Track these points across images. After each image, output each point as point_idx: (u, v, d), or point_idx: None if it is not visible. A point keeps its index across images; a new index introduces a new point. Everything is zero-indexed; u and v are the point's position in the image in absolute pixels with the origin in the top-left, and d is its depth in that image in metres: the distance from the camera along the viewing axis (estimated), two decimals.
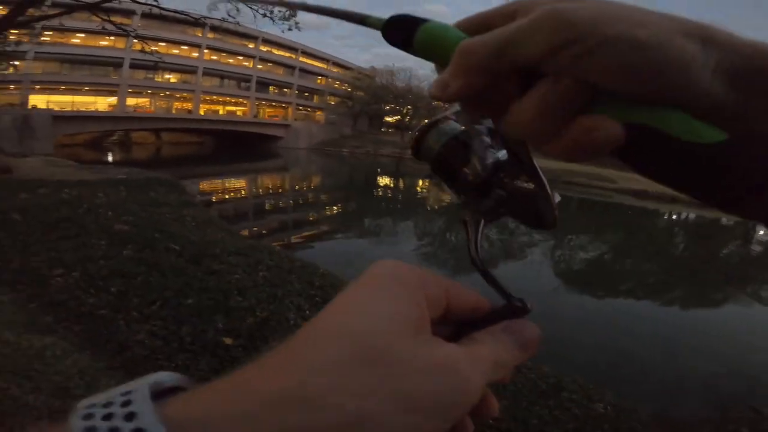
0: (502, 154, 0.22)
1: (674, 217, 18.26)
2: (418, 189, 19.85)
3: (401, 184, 20.89)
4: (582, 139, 0.16)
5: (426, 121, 0.24)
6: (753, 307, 6.47)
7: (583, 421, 2.22)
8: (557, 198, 0.21)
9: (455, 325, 0.19)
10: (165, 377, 0.16)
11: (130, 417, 0.13)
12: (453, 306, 0.18)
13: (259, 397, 0.14)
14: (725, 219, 18.60)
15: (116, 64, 25.91)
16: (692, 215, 18.87)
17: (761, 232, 16.45)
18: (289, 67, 37.95)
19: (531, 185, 0.21)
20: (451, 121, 0.23)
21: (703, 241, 13.70)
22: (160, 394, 0.15)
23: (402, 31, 0.20)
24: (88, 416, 0.14)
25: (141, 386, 0.15)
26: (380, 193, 17.74)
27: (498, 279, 0.21)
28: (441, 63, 0.19)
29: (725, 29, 0.16)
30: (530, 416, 2.14)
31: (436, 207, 14.84)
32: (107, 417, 0.13)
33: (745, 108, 0.15)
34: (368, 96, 37.08)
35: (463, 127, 0.23)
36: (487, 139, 0.22)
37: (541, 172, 0.21)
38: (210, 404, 0.14)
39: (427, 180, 22.67)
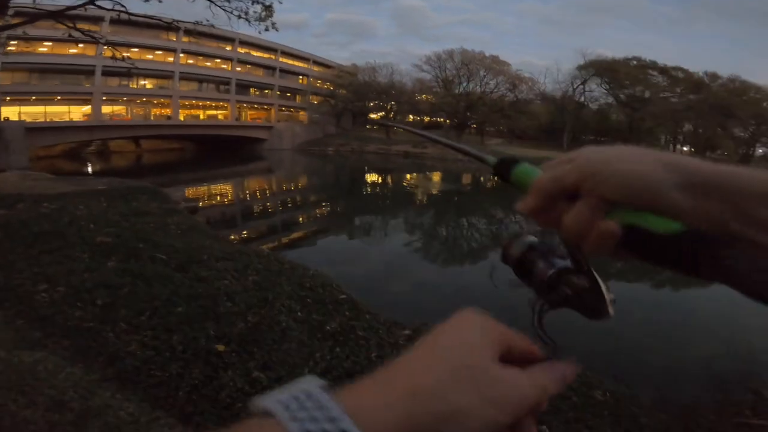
0: (567, 261, 0.30)
1: None
2: (406, 184, 19.88)
3: (389, 179, 20.88)
4: (597, 236, 0.25)
5: (514, 235, 0.32)
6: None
7: (582, 409, 2.23)
8: (611, 296, 0.29)
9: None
10: (317, 380, 0.21)
11: (332, 421, 0.18)
12: (513, 347, 0.26)
13: (402, 392, 0.21)
14: None
15: (88, 71, 25.26)
16: None
17: None
18: (269, 68, 37.50)
19: (587, 285, 0.29)
20: (530, 235, 0.32)
21: None
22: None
23: (504, 168, 0.31)
24: (295, 419, 0.18)
25: (318, 388, 0.20)
26: (368, 190, 17.72)
27: (554, 342, 0.30)
28: (525, 190, 0.29)
29: (690, 159, 0.25)
30: None
31: (424, 200, 14.90)
32: (313, 420, 0.18)
33: (700, 209, 0.24)
34: (351, 94, 36.87)
35: (537, 239, 0.32)
36: (556, 250, 0.31)
37: (597, 276, 0.28)
38: (369, 397, 0.21)
39: (413, 175, 22.69)
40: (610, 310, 0.29)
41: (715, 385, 3.18)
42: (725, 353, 3.83)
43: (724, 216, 0.24)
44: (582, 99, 37.66)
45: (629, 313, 4.81)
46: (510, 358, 0.25)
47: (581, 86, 36.89)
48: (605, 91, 37.01)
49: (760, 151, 36.12)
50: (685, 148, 39.96)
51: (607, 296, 0.29)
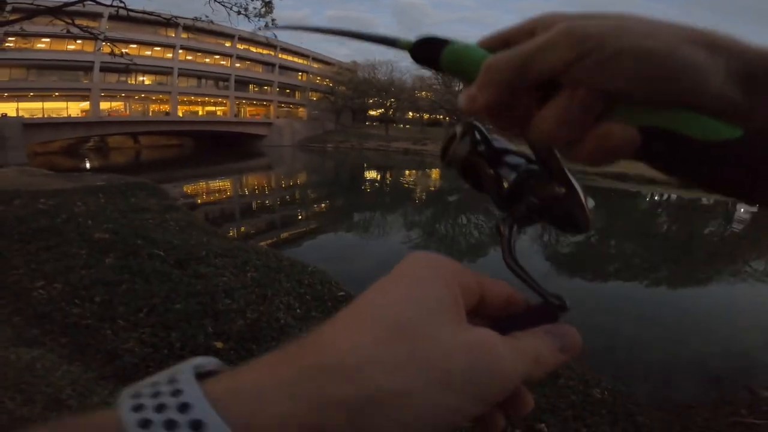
0: (528, 160, 0.23)
1: (656, 198, 18.70)
2: (405, 180, 19.88)
3: (388, 176, 20.87)
4: (601, 145, 0.17)
5: (456, 128, 0.24)
6: (739, 284, 6.62)
7: (581, 408, 2.22)
8: (591, 203, 0.22)
9: (494, 322, 0.20)
10: (204, 361, 0.16)
11: (183, 408, 0.14)
12: (488, 297, 0.19)
13: (299, 369, 0.15)
14: (705, 199, 19.12)
15: (86, 68, 25.15)
16: (673, 196, 19.36)
17: (741, 210, 16.95)
18: (269, 65, 37.38)
19: (562, 190, 0.22)
20: (477, 125, 0.24)
21: (685, 220, 14.06)
22: (201, 377, 0.15)
23: (428, 52, 0.21)
24: (139, 407, 0.14)
25: (186, 372, 0.15)
26: (367, 187, 17.71)
27: (535, 279, 0.21)
28: (467, 79, 0.20)
29: (729, 35, 0.17)
30: None
31: (424, 197, 14.90)
32: (159, 408, 0.14)
33: (756, 107, 0.16)
34: (350, 90, 36.81)
35: (488, 132, 0.24)
36: (512, 146, 0.23)
37: (572, 178, 0.21)
38: (254, 376, 0.15)
39: (413, 172, 22.70)
40: (590, 217, 0.22)
41: (711, 383, 3.18)
42: (722, 351, 3.82)
43: None
44: None
45: (627, 310, 4.82)
46: (485, 313, 0.19)
47: None
48: None
49: None
50: None
51: (587, 203, 0.22)
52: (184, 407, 0.14)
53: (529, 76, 0.17)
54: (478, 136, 0.24)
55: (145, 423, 0.13)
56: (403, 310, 0.16)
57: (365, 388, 0.15)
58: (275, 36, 8.88)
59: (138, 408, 0.14)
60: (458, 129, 0.24)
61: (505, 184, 0.23)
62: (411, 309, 0.16)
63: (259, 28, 8.99)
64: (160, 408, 0.14)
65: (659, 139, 0.17)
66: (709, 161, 0.17)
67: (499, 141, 0.24)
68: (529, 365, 0.17)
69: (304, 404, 0.14)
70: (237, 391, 0.14)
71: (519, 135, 0.20)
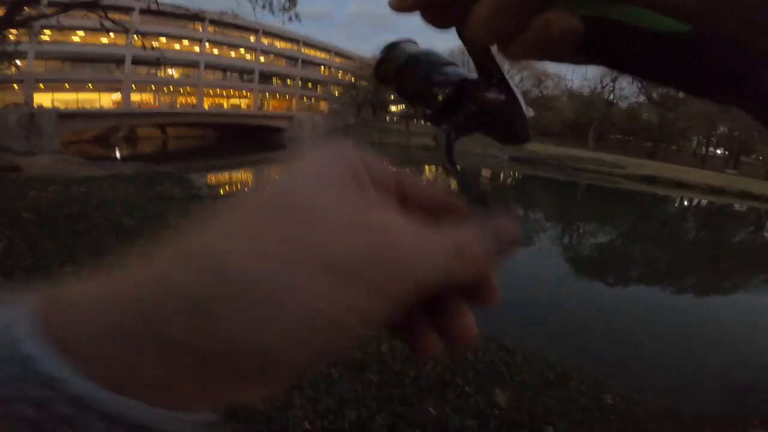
0: (463, 69, 0.22)
1: (685, 203, 17.98)
2: (423, 178, 19.77)
3: (407, 172, 20.80)
4: (541, 34, 0.15)
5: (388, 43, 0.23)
6: (765, 295, 6.36)
7: (590, 413, 2.18)
8: (531, 112, 0.21)
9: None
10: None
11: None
12: (411, 193, 0.17)
13: (149, 268, 0.13)
14: (737, 205, 18.24)
15: (118, 60, 25.94)
16: (704, 201, 18.57)
17: None
18: (292, 59, 37.70)
19: (501, 96, 0.21)
20: (409, 42, 0.23)
21: (714, 227, 13.47)
22: None
23: None
24: None
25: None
26: None
27: (479, 187, 0.20)
28: None
29: None
30: (536, 406, 2.11)
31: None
32: None
33: (711, 13, 0.15)
34: (372, 85, 36.78)
35: (419, 46, 0.23)
36: (445, 59, 0.23)
37: (512, 84, 0.21)
38: (89, 284, 0.13)
39: (432, 167, 22.55)
40: (528, 128, 0.21)
41: (727, 395, 3.09)
42: (741, 363, 3.70)
43: (744, 26, 0.15)
44: (611, 97, 36.46)
45: (644, 315, 4.71)
46: (415, 212, 0.16)
47: (611, 83, 35.73)
48: (637, 90, 35.74)
49: None
50: (718, 151, 38.26)
51: (527, 111, 0.21)
52: (12, 358, 0.11)
53: None
54: (407, 49, 0.23)
55: None
56: (285, 190, 0.14)
57: (219, 278, 0.12)
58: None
59: None
60: (391, 44, 0.24)
61: (440, 94, 0.22)
62: (294, 186, 0.14)
63: (284, 23, 9.07)
64: None
65: (604, 30, 0.16)
66: (656, 53, 0.16)
67: (434, 55, 0.23)
68: (446, 257, 0.15)
69: (135, 301, 0.12)
70: (60, 302, 0.12)
71: (456, 31, 0.18)
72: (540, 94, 36.63)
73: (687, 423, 2.44)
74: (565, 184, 18.96)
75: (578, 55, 0.17)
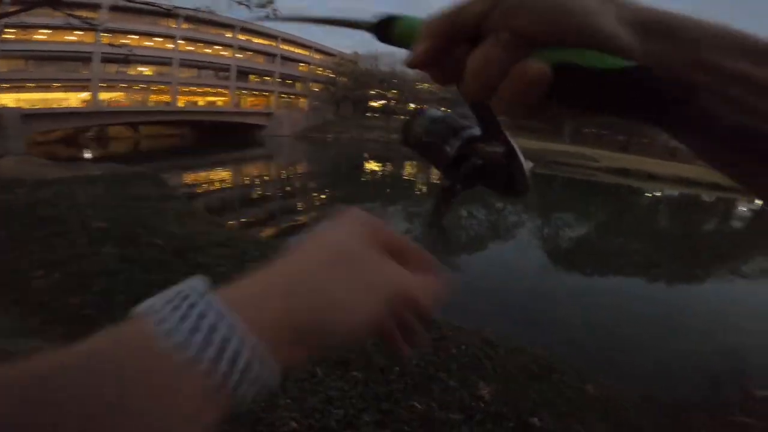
0: (476, 129, 0.26)
1: (657, 194, 18.59)
2: (405, 172, 19.82)
3: (388, 167, 20.81)
4: (518, 80, 0.20)
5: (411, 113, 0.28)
6: (736, 283, 6.59)
7: (574, 404, 2.22)
8: (529, 165, 0.24)
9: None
10: (196, 282, 0.20)
11: (202, 316, 0.18)
12: (396, 247, 0.25)
13: (279, 285, 0.21)
14: (705, 196, 18.99)
15: (85, 58, 24.95)
16: (674, 192, 19.23)
17: (742, 209, 16.85)
18: (270, 55, 37.07)
19: (502, 150, 0.24)
20: (432, 109, 0.28)
21: (685, 217, 13.96)
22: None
23: (385, 29, 0.24)
24: (162, 320, 0.17)
25: (195, 288, 0.19)
26: (367, 178, 17.68)
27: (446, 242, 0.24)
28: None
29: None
30: (520, 399, 2.13)
31: (423, 189, 14.87)
32: (183, 318, 0.17)
33: (651, 50, 0.19)
34: (352, 82, 36.55)
35: (440, 113, 0.28)
36: (462, 120, 0.27)
37: (513, 142, 0.24)
38: (246, 291, 0.20)
39: (413, 163, 22.63)
40: (528, 181, 0.25)
41: (705, 383, 3.19)
42: (717, 351, 3.82)
43: (682, 64, 0.19)
44: None
45: (622, 305, 4.82)
46: (394, 257, 0.25)
47: None
48: None
49: None
50: None
51: (525, 164, 0.25)
52: (202, 315, 0.17)
53: (457, 26, 0.21)
54: (427, 118, 0.27)
55: (176, 331, 0.17)
56: (340, 243, 0.23)
57: (321, 296, 0.21)
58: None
59: (162, 321, 0.17)
60: (411, 116, 0.28)
61: (450, 150, 0.26)
62: (346, 241, 0.23)
63: (260, 19, 8.89)
64: (183, 318, 0.17)
65: (567, 73, 0.19)
66: (610, 88, 0.19)
67: (450, 117, 0.27)
68: (421, 291, 0.24)
69: (282, 309, 0.20)
70: (239, 303, 0.19)
71: (457, 88, 0.23)
72: None
73: (668, 412, 2.49)
74: (541, 176, 19.31)
75: (549, 104, 0.21)
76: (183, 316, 0.17)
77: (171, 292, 0.19)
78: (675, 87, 0.19)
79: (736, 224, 13.91)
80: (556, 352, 2.82)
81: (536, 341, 2.92)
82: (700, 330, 4.34)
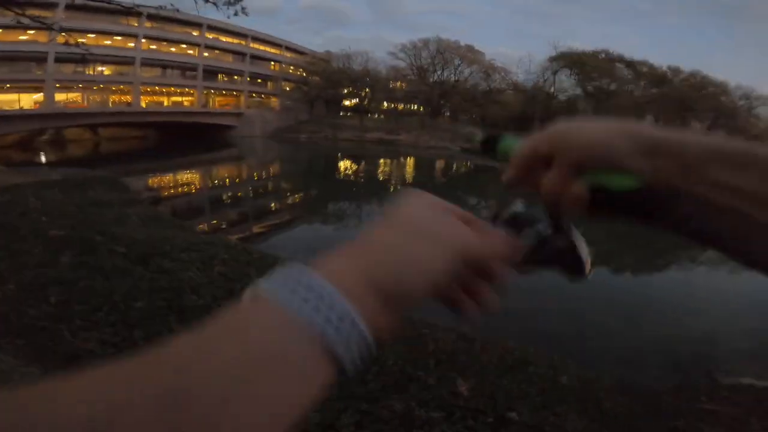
0: (547, 225, 0.32)
1: None
2: (380, 170, 19.81)
3: (363, 166, 20.71)
4: (568, 197, 0.29)
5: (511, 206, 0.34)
6: (698, 270, 6.90)
7: (549, 394, 2.24)
8: (589, 255, 0.31)
9: None
10: (299, 264, 0.23)
11: (322, 298, 0.21)
12: (464, 218, 0.29)
13: (363, 249, 0.25)
14: None
15: (39, 58, 23.63)
16: None
17: None
18: (240, 54, 36.21)
19: (566, 245, 0.31)
20: (518, 203, 0.34)
21: None
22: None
23: (490, 145, 0.35)
24: (291, 301, 0.21)
25: (304, 272, 0.22)
26: (341, 177, 17.54)
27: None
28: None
29: (650, 127, 0.28)
30: (498, 391, 2.14)
31: (398, 186, 14.91)
32: (306, 300, 0.21)
33: (660, 168, 0.27)
34: (324, 81, 36.19)
35: (523, 207, 0.34)
36: (541, 216, 0.32)
37: (575, 236, 0.31)
38: (340, 266, 0.24)
39: (386, 161, 22.62)
40: (588, 269, 0.31)
41: (674, 369, 3.29)
42: (684, 337, 3.96)
43: (676, 175, 0.26)
44: (552, 90, 38.31)
45: (593, 296, 4.96)
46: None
47: (552, 77, 37.57)
48: (574, 83, 37.84)
49: None
50: None
51: (585, 257, 0.31)
52: (322, 297, 0.21)
53: (534, 159, 0.30)
54: (515, 207, 0.33)
55: (302, 310, 0.20)
56: (417, 211, 0.28)
57: (393, 252, 0.25)
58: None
59: (276, 294, 0.21)
60: (505, 203, 0.34)
61: (528, 245, 0.31)
62: (422, 209, 0.28)
63: (228, 17, 8.66)
64: (306, 300, 0.21)
65: (596, 191, 0.28)
66: (626, 203, 0.28)
67: (530, 211, 0.33)
68: (488, 251, 0.28)
69: (363, 270, 0.23)
70: (329, 274, 0.22)
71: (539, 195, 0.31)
72: (488, 88, 37.79)
73: (640, 399, 2.54)
74: None
75: (594, 211, 0.30)
76: (293, 289, 0.21)
77: (276, 274, 0.22)
78: (663, 198, 0.27)
79: None
80: (529, 343, 2.85)
81: (510, 334, 2.95)
82: (666, 317, 4.51)
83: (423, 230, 0.26)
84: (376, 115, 38.33)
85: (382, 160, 20.70)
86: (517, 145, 0.32)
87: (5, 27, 18.39)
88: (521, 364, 2.50)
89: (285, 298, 0.21)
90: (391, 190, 14.26)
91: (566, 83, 38.29)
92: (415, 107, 40.58)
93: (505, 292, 0.30)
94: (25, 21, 7.34)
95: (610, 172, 0.28)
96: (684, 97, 33.37)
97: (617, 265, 6.59)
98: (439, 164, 22.95)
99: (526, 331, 3.51)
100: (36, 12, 8.15)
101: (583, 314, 4.27)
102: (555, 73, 37.23)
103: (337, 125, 34.65)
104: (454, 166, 22.38)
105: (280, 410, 0.19)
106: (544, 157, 0.30)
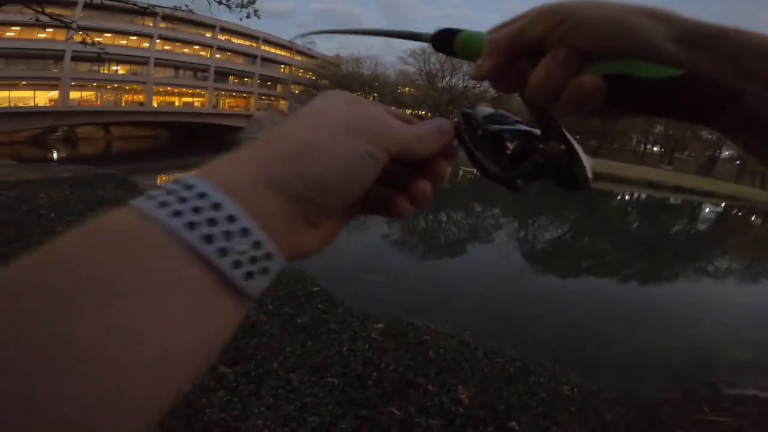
0: (531, 128, 0.26)
1: (626, 197, 19.22)
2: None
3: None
4: (575, 92, 0.22)
5: (464, 109, 0.28)
6: (702, 281, 6.82)
7: (550, 405, 2.22)
8: (590, 161, 0.25)
9: None
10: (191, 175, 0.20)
11: (202, 196, 0.18)
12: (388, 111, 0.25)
13: (258, 145, 0.21)
14: (672, 199, 19.76)
15: (56, 57, 24.05)
16: (643, 195, 19.94)
17: (706, 210, 17.57)
18: (250, 56, 36.62)
19: (562, 147, 0.25)
20: (483, 107, 0.28)
21: (653, 218, 14.42)
22: None
23: (444, 41, 0.27)
24: (164, 203, 0.17)
25: (189, 177, 0.19)
26: None
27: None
28: (474, 59, 0.26)
29: (672, 10, 0.22)
30: (498, 402, 2.12)
31: None
32: (182, 200, 0.17)
33: (699, 62, 0.21)
34: (333, 84, 36.45)
35: (493, 110, 0.28)
36: (515, 120, 0.27)
37: (570, 139, 0.25)
38: (232, 160, 0.20)
39: None
40: (589, 175, 0.25)
41: (676, 380, 3.24)
42: (686, 348, 3.91)
43: (726, 71, 0.21)
44: None
45: (596, 306, 4.91)
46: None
47: None
48: None
49: (726, 153, 37.69)
50: (655, 149, 41.25)
51: (586, 161, 0.25)
52: (201, 196, 0.17)
53: (520, 44, 0.23)
54: (481, 113, 0.27)
55: (177, 213, 0.17)
56: (320, 105, 0.24)
57: (294, 142, 0.21)
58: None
59: (164, 204, 0.17)
60: (462, 114, 0.28)
61: (510, 148, 0.26)
62: (326, 103, 0.24)
63: (241, 19, 8.77)
64: (183, 200, 0.17)
65: (620, 81, 0.22)
66: (659, 94, 0.21)
67: (502, 115, 0.27)
68: (413, 137, 0.23)
69: (257, 163, 0.20)
70: (216, 165, 0.20)
71: (519, 95, 0.25)
72: (497, 94, 37.83)
73: (642, 410, 2.51)
74: None
75: (607, 108, 0.24)
76: (182, 198, 0.17)
77: (166, 185, 0.18)
78: (720, 93, 0.21)
79: (701, 226, 14.47)
80: (532, 352, 2.83)
81: (513, 342, 2.92)
82: (669, 328, 4.44)
83: (336, 119, 0.22)
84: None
85: None
86: (482, 36, 0.25)
87: (24, 25, 18.79)
88: (522, 373, 2.47)
89: (148, 206, 0.17)
90: None
91: None
92: (423, 113, 40.65)
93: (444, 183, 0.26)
94: (44, 19, 7.48)
95: (632, 61, 0.21)
96: None
97: (619, 275, 6.52)
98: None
99: (528, 340, 3.47)
100: (55, 10, 8.31)
101: (584, 324, 4.23)
102: None
103: None
104: (461, 172, 22.31)
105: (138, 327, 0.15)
106: (532, 44, 0.23)
